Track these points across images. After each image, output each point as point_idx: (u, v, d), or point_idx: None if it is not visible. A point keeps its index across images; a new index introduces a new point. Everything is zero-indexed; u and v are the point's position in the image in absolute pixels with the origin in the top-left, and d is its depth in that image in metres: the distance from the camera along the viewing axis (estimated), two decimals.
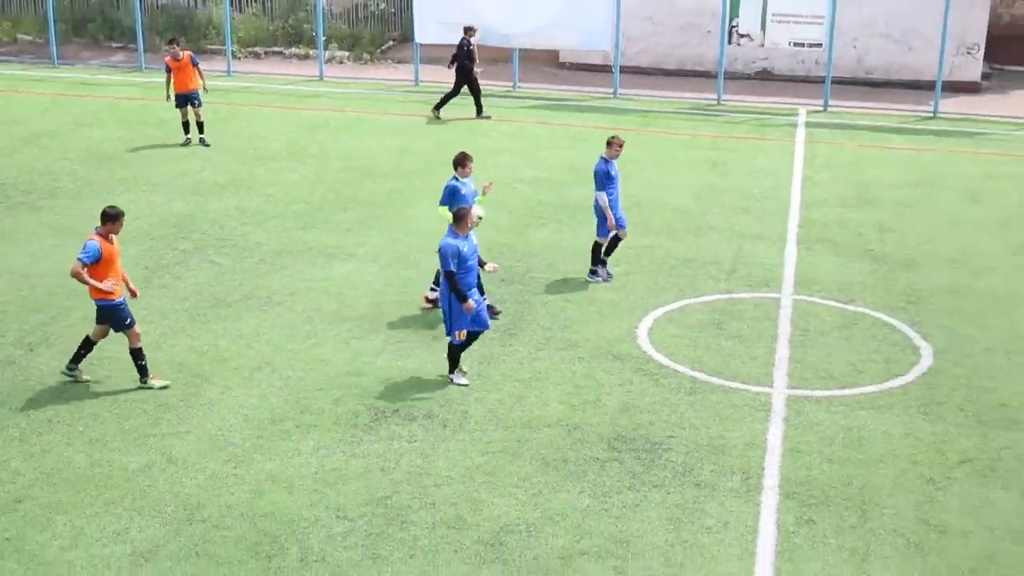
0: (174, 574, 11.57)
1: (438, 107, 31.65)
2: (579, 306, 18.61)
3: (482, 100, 31.66)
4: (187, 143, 27.81)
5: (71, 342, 16.61)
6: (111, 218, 15.04)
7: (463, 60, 31.27)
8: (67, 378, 15.47)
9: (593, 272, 19.72)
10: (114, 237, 15.13)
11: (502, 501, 13.03)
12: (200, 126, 27.97)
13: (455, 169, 18.10)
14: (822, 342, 17.53)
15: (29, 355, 16.41)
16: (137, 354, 15.33)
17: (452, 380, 15.75)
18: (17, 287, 18.81)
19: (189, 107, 27.78)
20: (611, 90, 35.03)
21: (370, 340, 17.16)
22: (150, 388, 15.31)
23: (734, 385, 16.01)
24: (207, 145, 27.82)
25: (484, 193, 18.10)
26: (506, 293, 18.89)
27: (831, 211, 23.97)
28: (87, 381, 15.51)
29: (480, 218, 17.05)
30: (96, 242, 14.78)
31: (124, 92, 33.81)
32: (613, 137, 19.74)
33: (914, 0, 34.74)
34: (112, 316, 15.09)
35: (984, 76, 37.26)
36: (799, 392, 15.88)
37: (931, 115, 33.30)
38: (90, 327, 15.43)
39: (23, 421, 14.54)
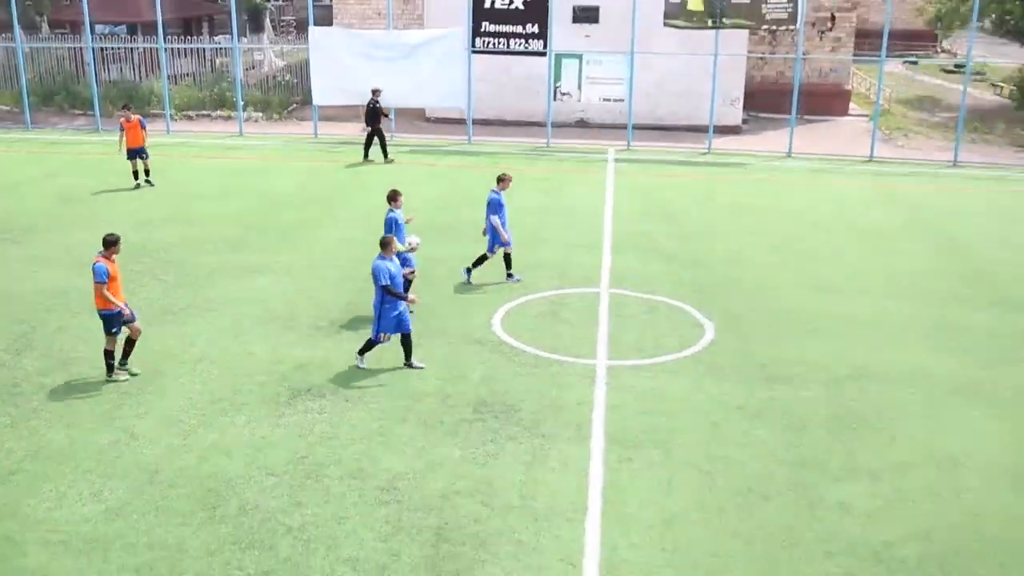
0: (139, 525, 11.39)
1: (365, 154, 31.41)
2: (448, 304, 18.58)
3: (369, 147, 31.46)
4: (137, 187, 27.16)
5: (50, 346, 16.28)
6: (111, 243, 14.74)
7: (372, 113, 31.12)
8: (119, 373, 15.11)
9: (468, 271, 19.69)
10: (115, 258, 14.77)
11: (394, 456, 12.99)
12: (147, 172, 27.45)
13: (390, 203, 17.85)
14: (632, 324, 17.74)
15: (16, 358, 15.89)
16: (108, 355, 14.96)
17: (359, 363, 15.60)
18: (3, 304, 18.19)
19: (138, 159, 27.25)
20: (466, 137, 35.05)
21: (287, 336, 16.95)
22: (115, 381, 14.95)
23: (567, 359, 16.12)
24: (152, 185, 27.28)
25: (407, 222, 17.90)
26: None
27: (635, 225, 24.27)
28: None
29: (419, 243, 17.24)
30: (103, 264, 14.47)
31: (85, 149, 32.91)
32: (504, 174, 19.80)
33: (691, 65, 35.34)
34: (107, 322, 14.70)
35: (744, 121, 38.13)
36: (616, 362, 16.05)
37: (706, 151, 33.92)
38: (64, 336, 14.99)
39: (13, 411, 14.11)
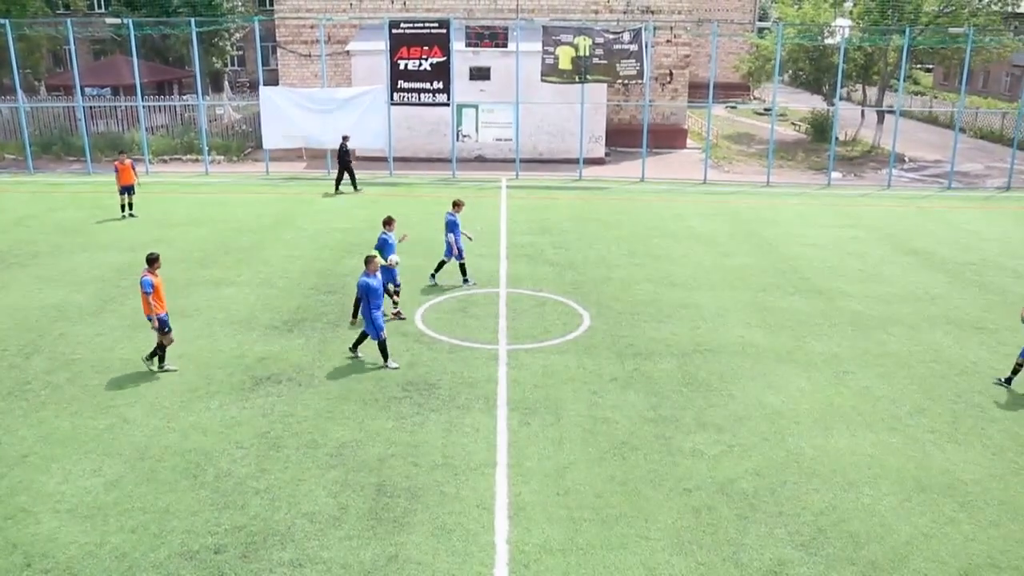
0: (134, 494, 10.96)
1: (354, 186, 30.51)
2: None
3: (355, 181, 30.63)
4: (123, 218, 26.22)
5: (54, 350, 15.55)
6: (153, 260, 14.26)
7: (342, 155, 30.44)
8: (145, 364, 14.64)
9: (432, 276, 19.49)
10: (158, 272, 14.24)
11: (339, 428, 12.71)
12: (131, 205, 26.49)
13: (384, 227, 17.28)
14: (526, 315, 17.67)
15: (26, 360, 15.15)
16: (162, 348, 14.49)
17: (387, 366, 14.83)
18: (14, 317, 17.33)
19: (126, 194, 26.33)
20: (388, 172, 34.61)
21: (248, 334, 16.46)
22: (166, 371, 14.55)
23: (476, 345, 15.98)
24: (135, 217, 26.32)
25: (401, 241, 17.36)
26: (331, 300, 18.42)
27: (524, 237, 24.20)
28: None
29: (398, 261, 16.79)
30: (149, 278, 13.98)
31: (79, 188, 31.58)
32: (459, 200, 19.50)
33: (564, 110, 35.47)
34: (161, 324, 14.24)
35: (606, 154, 38.37)
36: (514, 346, 15.95)
37: (578, 178, 34.02)
38: (65, 342, 14.28)
39: (24, 404, 13.47)
